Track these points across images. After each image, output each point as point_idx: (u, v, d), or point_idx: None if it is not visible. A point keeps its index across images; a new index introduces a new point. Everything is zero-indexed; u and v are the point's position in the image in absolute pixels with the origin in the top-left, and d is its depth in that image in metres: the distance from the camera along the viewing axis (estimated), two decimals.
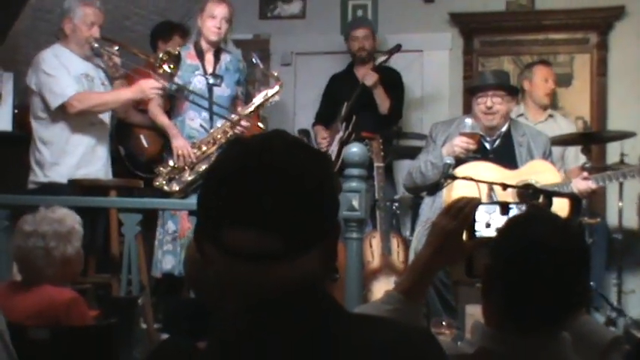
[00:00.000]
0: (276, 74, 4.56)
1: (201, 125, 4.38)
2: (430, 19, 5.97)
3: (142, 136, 4.84)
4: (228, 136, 4.33)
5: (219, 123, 4.37)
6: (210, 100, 4.37)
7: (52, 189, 4.13)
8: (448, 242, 1.68)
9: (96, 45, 4.29)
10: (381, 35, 5.88)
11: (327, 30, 6.12)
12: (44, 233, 2.65)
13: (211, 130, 4.36)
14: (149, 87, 4.21)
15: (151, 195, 4.30)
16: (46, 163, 4.24)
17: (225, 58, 4.50)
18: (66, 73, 4.21)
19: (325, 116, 5.56)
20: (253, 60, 4.56)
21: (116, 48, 4.36)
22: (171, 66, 4.21)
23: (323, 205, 1.15)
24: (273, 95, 4.46)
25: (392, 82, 5.41)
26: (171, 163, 4.32)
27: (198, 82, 4.40)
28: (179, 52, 4.29)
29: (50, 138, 4.26)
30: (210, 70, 4.45)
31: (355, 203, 3.31)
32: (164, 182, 4.30)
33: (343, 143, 5.20)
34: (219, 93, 4.43)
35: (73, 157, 4.26)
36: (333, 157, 5.20)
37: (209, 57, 4.46)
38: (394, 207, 5.29)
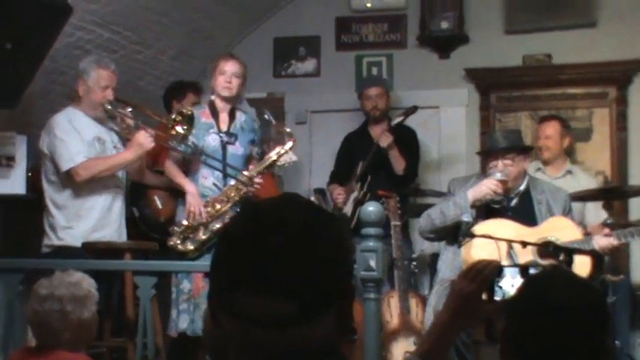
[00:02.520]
0: (289, 130, 4.64)
1: (214, 184, 4.45)
2: (446, 75, 6.07)
3: (156, 198, 4.90)
4: (242, 194, 4.39)
5: (232, 181, 4.44)
6: (223, 159, 4.45)
7: (66, 252, 4.17)
8: (467, 305, 1.69)
9: (109, 107, 4.36)
10: (396, 92, 5.98)
11: (342, 87, 6.23)
12: (61, 297, 2.70)
13: (224, 189, 4.43)
14: (144, 139, 4.27)
15: (166, 257, 4.34)
16: (60, 226, 4.31)
17: (239, 117, 4.60)
18: (78, 137, 4.29)
19: (340, 176, 5.62)
20: (266, 116, 4.64)
21: (129, 109, 4.43)
22: (185, 127, 4.28)
23: (338, 267, 1.16)
24: (286, 151, 4.52)
25: (407, 140, 5.49)
26: (185, 222, 4.37)
27: (212, 140, 4.48)
28: (192, 112, 4.36)
29: (63, 201, 4.33)
30: (224, 128, 4.53)
31: (372, 263, 3.33)
32: (178, 242, 4.35)
33: (358, 203, 5.25)
34: (233, 151, 4.51)
35: (87, 220, 4.33)
36: (348, 217, 5.26)
37: (223, 116, 4.55)
38: (412, 266, 5.31)
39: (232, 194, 4.40)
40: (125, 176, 4.60)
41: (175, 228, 4.38)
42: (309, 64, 6.40)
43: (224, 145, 4.49)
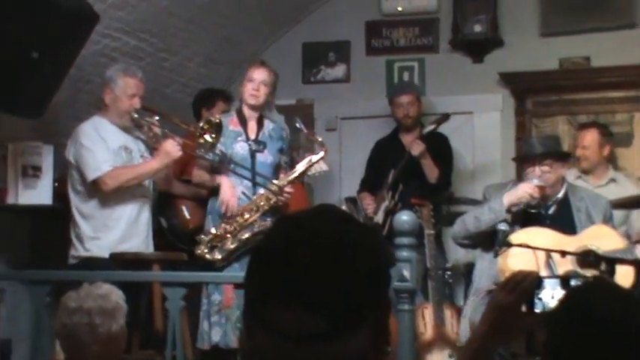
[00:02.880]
0: (320, 139, 4.63)
1: (242, 193, 4.46)
2: (480, 80, 6.05)
3: (183, 207, 4.93)
4: (272, 203, 4.40)
5: (261, 190, 4.45)
6: (252, 167, 4.47)
7: (93, 263, 4.21)
8: (505, 318, 1.67)
9: (136, 116, 4.40)
10: (428, 97, 5.97)
11: (373, 93, 6.23)
12: (89, 309, 2.72)
13: (254, 197, 4.44)
14: (171, 148, 4.28)
15: (194, 268, 4.36)
16: (87, 237, 4.34)
17: (267, 125, 4.62)
18: (104, 146, 4.33)
19: (371, 183, 5.62)
20: (297, 125, 4.62)
21: (156, 118, 4.47)
22: (213, 135, 4.30)
23: (372, 280, 1.15)
24: (317, 161, 4.52)
25: (440, 148, 5.48)
26: (213, 230, 4.37)
27: (240, 149, 4.49)
28: (220, 121, 4.37)
29: (90, 212, 4.37)
30: (252, 136, 4.54)
31: (406, 273, 3.34)
32: (206, 250, 4.35)
33: (389, 212, 5.25)
34: (262, 160, 4.52)
35: (114, 231, 4.36)
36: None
37: (252, 124, 4.57)
38: (446, 276, 5.29)
39: (262, 203, 4.41)
40: (152, 186, 4.63)
41: (203, 237, 4.39)
42: (339, 70, 6.41)
43: (253, 154, 4.51)
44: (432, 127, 5.47)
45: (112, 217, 4.38)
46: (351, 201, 5.71)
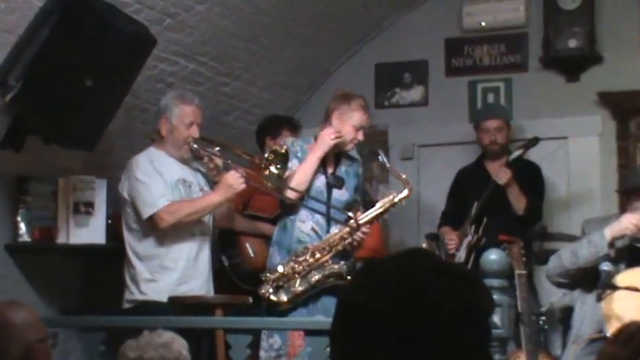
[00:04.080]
0: (404, 176, 4.56)
1: (312, 229, 4.46)
2: (575, 101, 5.98)
3: (247, 245, 4.97)
4: (346, 243, 4.40)
5: (334, 228, 4.45)
6: (328, 203, 4.47)
7: (150, 308, 4.25)
8: None
9: (195, 146, 4.45)
10: (516, 121, 5.93)
11: (454, 118, 6.22)
12: None
13: (327, 236, 4.43)
14: (234, 180, 4.32)
15: (259, 311, 4.38)
16: (143, 279, 4.40)
17: (344, 160, 4.63)
18: (160, 180, 4.39)
19: (453, 216, 5.60)
20: (380, 158, 4.57)
21: (217, 149, 4.51)
22: (279, 166, 4.34)
23: (476, 339, 1.18)
24: (400, 201, 4.51)
25: (530, 176, 5.45)
26: (280, 269, 4.35)
27: (316, 181, 4.49)
28: (287, 151, 4.38)
29: (145, 252, 4.43)
30: (330, 170, 4.57)
31: (496, 319, 3.32)
32: (270, 290, 4.33)
33: (472, 248, 5.22)
34: (337, 197, 4.52)
35: (173, 272, 4.41)
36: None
37: (330, 156, 4.57)
38: (540, 321, 5.22)
39: (335, 243, 4.41)
40: (212, 222, 4.67)
41: (268, 274, 4.36)
42: (416, 93, 6.41)
43: (330, 188, 4.52)
44: (518, 152, 5.44)
45: (170, 257, 4.43)
46: (432, 238, 5.69)
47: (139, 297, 4.40)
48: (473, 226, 5.34)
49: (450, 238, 5.46)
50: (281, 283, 4.37)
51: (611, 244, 3.89)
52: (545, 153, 5.66)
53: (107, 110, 4.43)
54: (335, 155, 4.60)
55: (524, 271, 4.69)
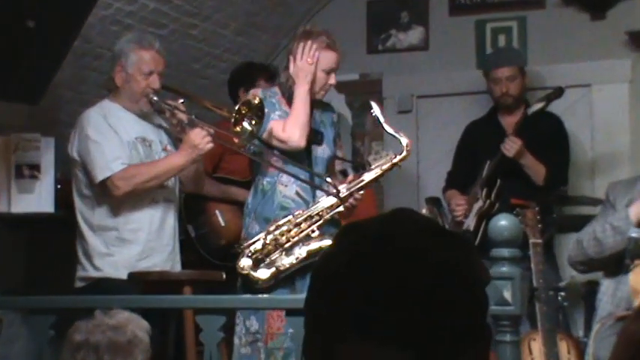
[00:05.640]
0: (403, 137, 4.41)
1: (297, 193, 4.39)
2: (601, 42, 5.98)
3: (217, 212, 4.97)
4: (336, 211, 4.33)
5: (324, 194, 4.38)
6: (311, 170, 4.37)
7: (106, 286, 4.26)
8: None
9: (155, 99, 4.41)
10: (531, 67, 5.91)
11: (458, 64, 6.22)
12: (96, 344, 2.75)
13: (313, 204, 4.35)
14: (200, 139, 4.28)
15: (232, 288, 4.36)
16: (97, 253, 4.38)
17: (316, 110, 4.50)
18: (116, 139, 4.37)
19: (460, 178, 5.62)
20: (372, 112, 4.46)
21: (181, 101, 4.48)
22: (253, 121, 4.23)
23: (467, 306, 1.18)
24: (397, 164, 4.43)
25: (550, 133, 5.46)
26: (260, 241, 4.25)
27: None
28: (262, 102, 4.23)
29: (100, 222, 4.41)
30: None
31: (507, 295, 3.30)
32: (250, 265, 4.28)
33: (483, 216, 5.23)
34: (319, 154, 4.46)
35: (132, 245, 4.40)
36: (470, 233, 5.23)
37: None
38: (560, 297, 5.23)
39: (323, 211, 4.31)
40: (178, 187, 4.65)
41: (245, 247, 4.28)
42: (415, 35, 6.40)
43: (308, 146, 4.43)
44: (539, 105, 5.42)
45: (129, 228, 4.42)
46: (433, 202, 5.68)
47: (93, 274, 4.39)
48: (484, 190, 5.35)
49: (458, 203, 5.46)
50: (261, 257, 4.32)
51: (639, 224, 3.89)
52: (565, 104, 5.65)
53: (53, 57, 4.38)
54: None
55: (539, 240, 4.69)
